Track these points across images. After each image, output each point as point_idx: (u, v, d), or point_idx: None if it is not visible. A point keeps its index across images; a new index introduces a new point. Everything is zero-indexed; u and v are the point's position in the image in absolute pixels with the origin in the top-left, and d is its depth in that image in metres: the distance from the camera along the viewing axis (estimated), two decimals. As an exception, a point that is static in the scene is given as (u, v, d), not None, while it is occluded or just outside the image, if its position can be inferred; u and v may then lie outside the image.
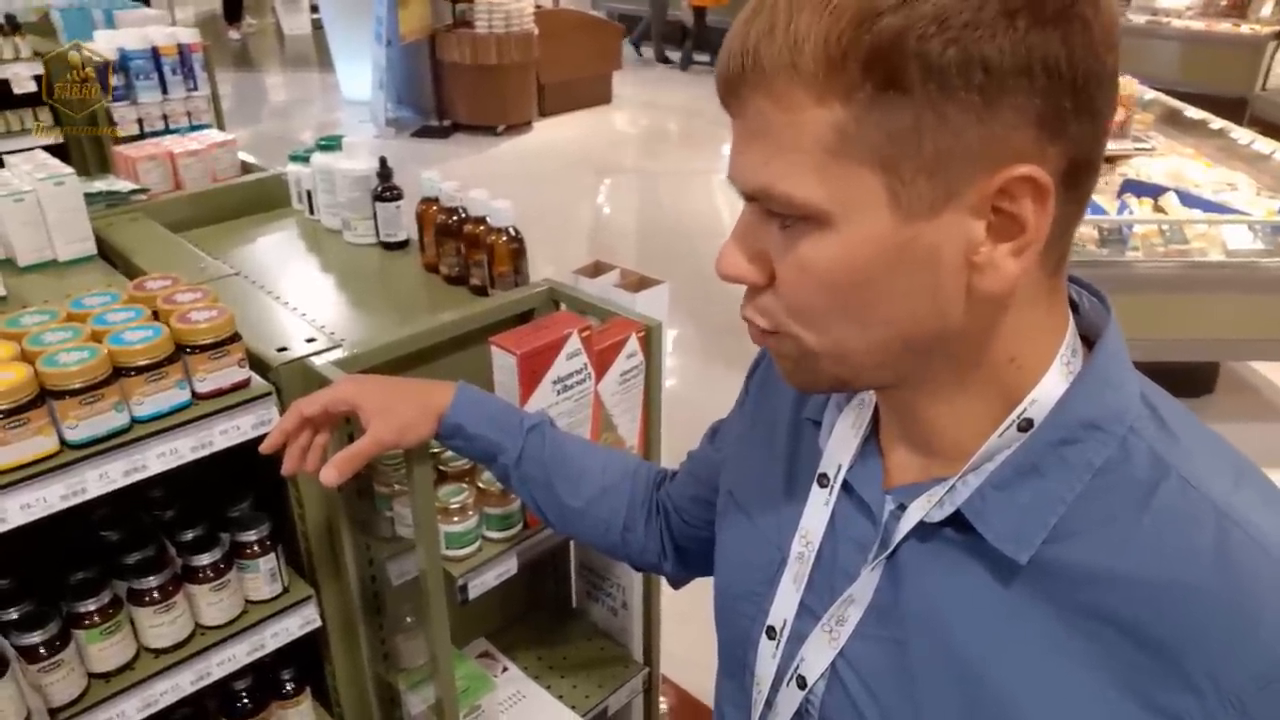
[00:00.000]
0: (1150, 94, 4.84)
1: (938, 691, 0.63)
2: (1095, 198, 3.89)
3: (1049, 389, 0.60)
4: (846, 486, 0.71)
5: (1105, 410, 0.59)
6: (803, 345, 0.62)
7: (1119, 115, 4.28)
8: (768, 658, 0.75)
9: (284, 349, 1.31)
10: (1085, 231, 3.72)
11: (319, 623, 1.42)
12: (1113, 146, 4.20)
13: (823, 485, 0.73)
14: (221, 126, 3.48)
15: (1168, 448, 0.59)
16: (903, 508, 0.66)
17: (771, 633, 0.75)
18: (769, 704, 0.76)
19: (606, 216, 6.12)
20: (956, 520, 0.63)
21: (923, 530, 0.65)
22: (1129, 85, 4.31)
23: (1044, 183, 0.53)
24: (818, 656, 0.71)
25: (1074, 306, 0.65)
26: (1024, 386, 0.61)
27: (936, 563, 0.64)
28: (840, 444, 0.72)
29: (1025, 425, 0.61)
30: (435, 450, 1.35)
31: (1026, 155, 0.53)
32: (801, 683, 0.72)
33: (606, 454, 1.11)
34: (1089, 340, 0.64)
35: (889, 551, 0.66)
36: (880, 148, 0.53)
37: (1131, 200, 3.92)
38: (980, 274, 0.56)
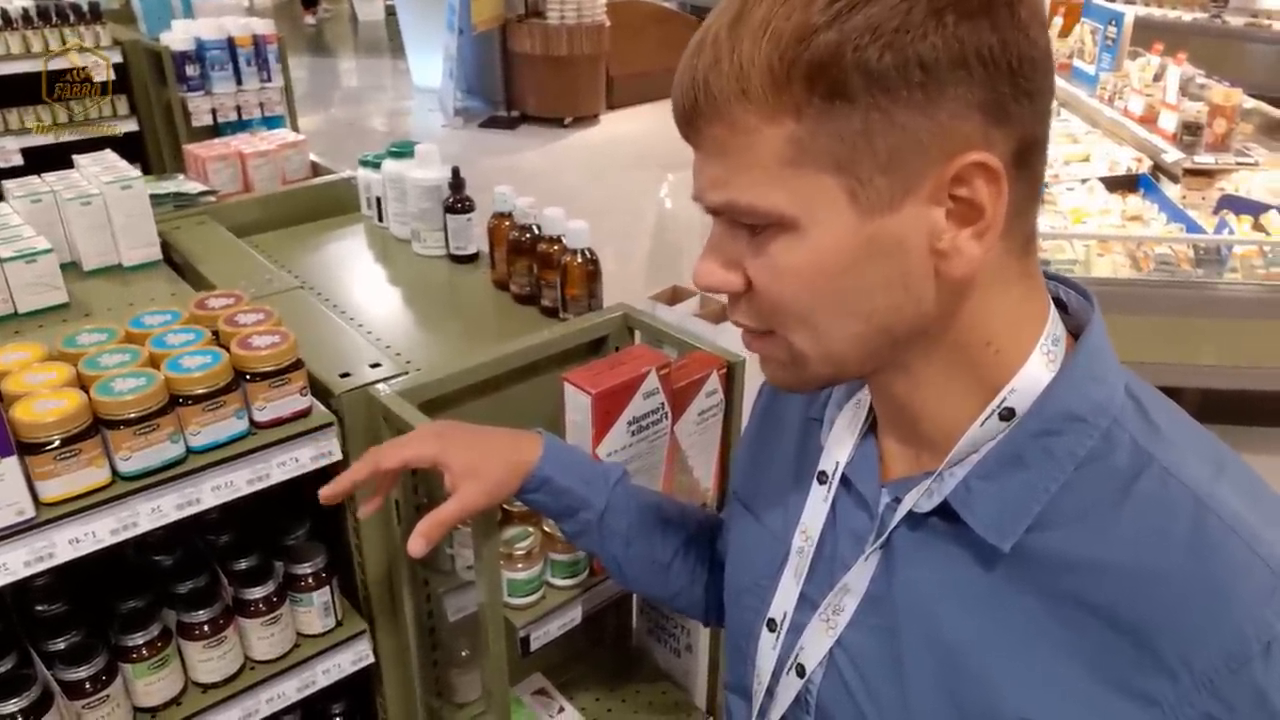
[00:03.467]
0: (1250, 102, 4.56)
1: (924, 677, 0.65)
2: (1190, 213, 3.68)
3: (1030, 377, 0.62)
4: (845, 481, 0.73)
5: (1088, 402, 0.61)
6: (792, 348, 0.64)
7: (1220, 127, 4.04)
8: (768, 649, 0.77)
9: (347, 374, 1.25)
10: (1180, 250, 3.53)
11: (372, 659, 1.36)
12: (1212, 160, 3.96)
13: (822, 481, 0.75)
14: (294, 118, 3.47)
15: (1150, 438, 0.60)
16: (898, 500, 0.68)
17: (772, 625, 0.77)
18: (769, 693, 0.78)
19: (670, 211, 6.02)
20: (944, 510, 0.64)
21: (912, 520, 0.67)
22: (1233, 96, 4.05)
23: (995, 167, 0.55)
24: (816, 645, 0.73)
25: (1063, 306, 0.67)
26: (1004, 373, 0.62)
27: (925, 552, 0.66)
28: (839, 441, 0.75)
29: (1007, 414, 0.62)
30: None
31: (974, 142, 0.55)
32: (801, 671, 0.74)
33: (680, 506, 1.07)
34: (1078, 336, 0.65)
35: (881, 541, 0.68)
36: (835, 153, 0.56)
37: (1230, 218, 3.69)
38: (946, 260, 0.58)
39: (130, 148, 3.40)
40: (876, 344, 0.62)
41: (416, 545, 0.94)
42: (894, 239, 0.57)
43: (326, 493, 0.98)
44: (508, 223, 1.56)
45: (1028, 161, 0.58)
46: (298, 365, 1.16)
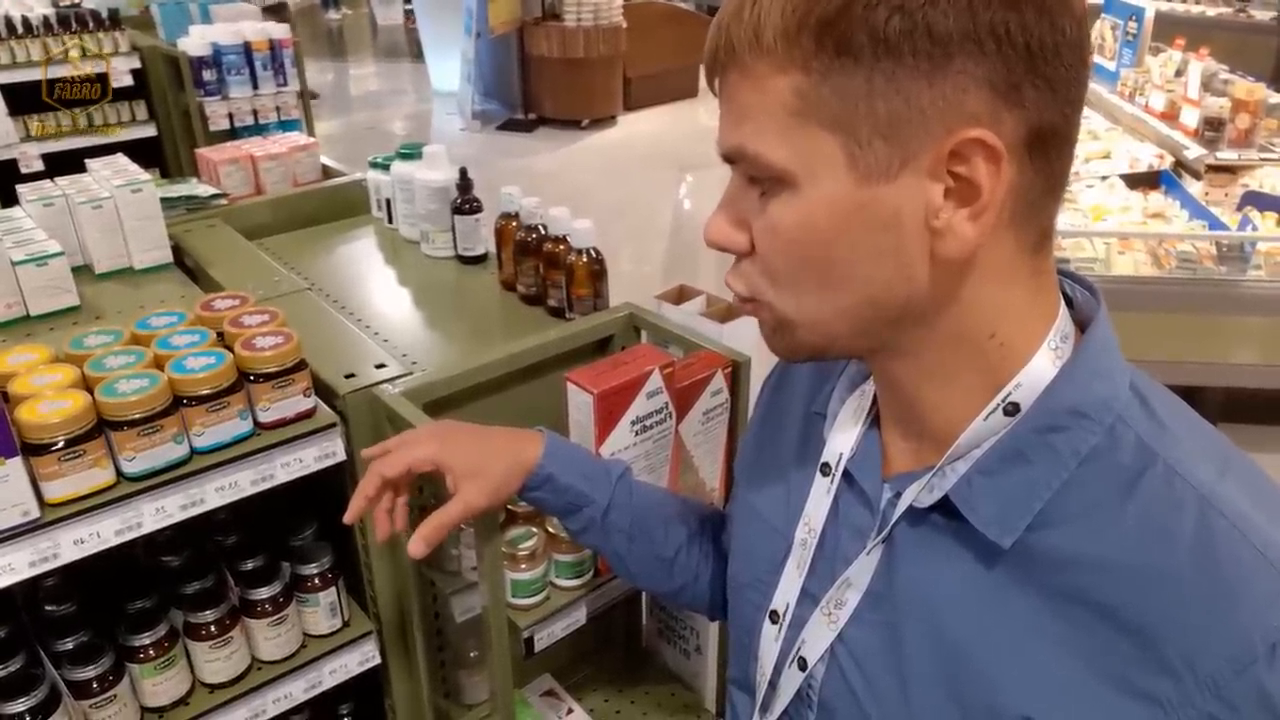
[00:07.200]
0: (1275, 97, 4.48)
1: (925, 673, 0.65)
2: (1213, 210, 3.62)
3: (1036, 372, 0.61)
4: (847, 476, 0.73)
5: (1093, 398, 0.60)
6: (777, 312, 0.64)
7: (1243, 123, 3.98)
8: (770, 641, 0.77)
9: (352, 375, 1.25)
10: (1203, 247, 3.48)
11: (379, 660, 1.36)
12: (1235, 156, 3.91)
13: (825, 474, 0.74)
14: (310, 121, 3.49)
15: (1155, 436, 0.59)
16: (899, 495, 0.67)
17: (774, 617, 0.77)
18: (772, 685, 0.78)
19: (688, 212, 6.01)
20: (945, 506, 0.64)
21: (913, 515, 0.66)
22: (1257, 91, 3.99)
23: (995, 146, 0.54)
24: (817, 638, 0.73)
25: (1069, 302, 0.66)
26: (1009, 367, 0.61)
27: (926, 548, 0.66)
28: (842, 433, 0.74)
29: (1011, 409, 0.61)
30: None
31: (980, 120, 0.54)
32: (803, 664, 0.74)
33: (683, 501, 1.08)
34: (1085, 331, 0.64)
35: (883, 537, 0.68)
36: (836, 111, 0.56)
37: (1254, 214, 3.64)
38: (940, 239, 0.57)
39: (149, 152, 3.43)
40: (865, 319, 0.62)
41: (417, 547, 0.93)
42: (889, 210, 0.57)
43: (349, 519, 0.97)
44: (514, 223, 1.56)
45: (1044, 152, 0.57)
46: (301, 366, 1.16)
